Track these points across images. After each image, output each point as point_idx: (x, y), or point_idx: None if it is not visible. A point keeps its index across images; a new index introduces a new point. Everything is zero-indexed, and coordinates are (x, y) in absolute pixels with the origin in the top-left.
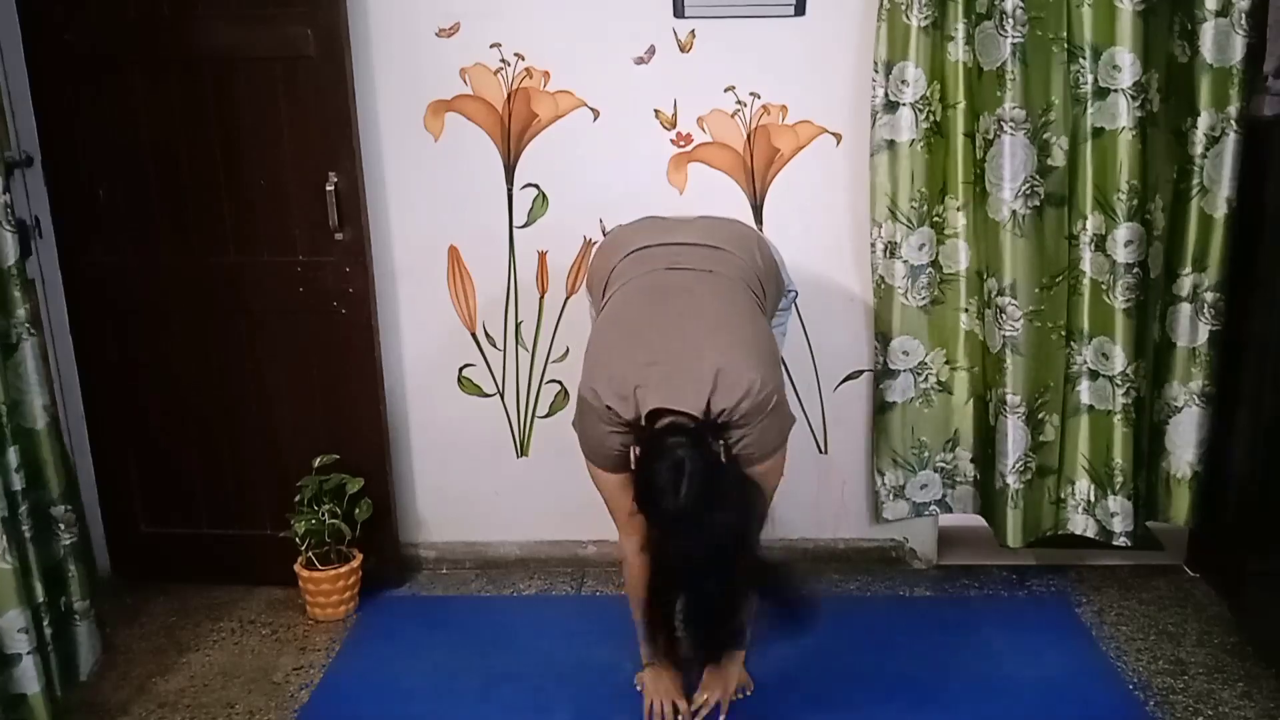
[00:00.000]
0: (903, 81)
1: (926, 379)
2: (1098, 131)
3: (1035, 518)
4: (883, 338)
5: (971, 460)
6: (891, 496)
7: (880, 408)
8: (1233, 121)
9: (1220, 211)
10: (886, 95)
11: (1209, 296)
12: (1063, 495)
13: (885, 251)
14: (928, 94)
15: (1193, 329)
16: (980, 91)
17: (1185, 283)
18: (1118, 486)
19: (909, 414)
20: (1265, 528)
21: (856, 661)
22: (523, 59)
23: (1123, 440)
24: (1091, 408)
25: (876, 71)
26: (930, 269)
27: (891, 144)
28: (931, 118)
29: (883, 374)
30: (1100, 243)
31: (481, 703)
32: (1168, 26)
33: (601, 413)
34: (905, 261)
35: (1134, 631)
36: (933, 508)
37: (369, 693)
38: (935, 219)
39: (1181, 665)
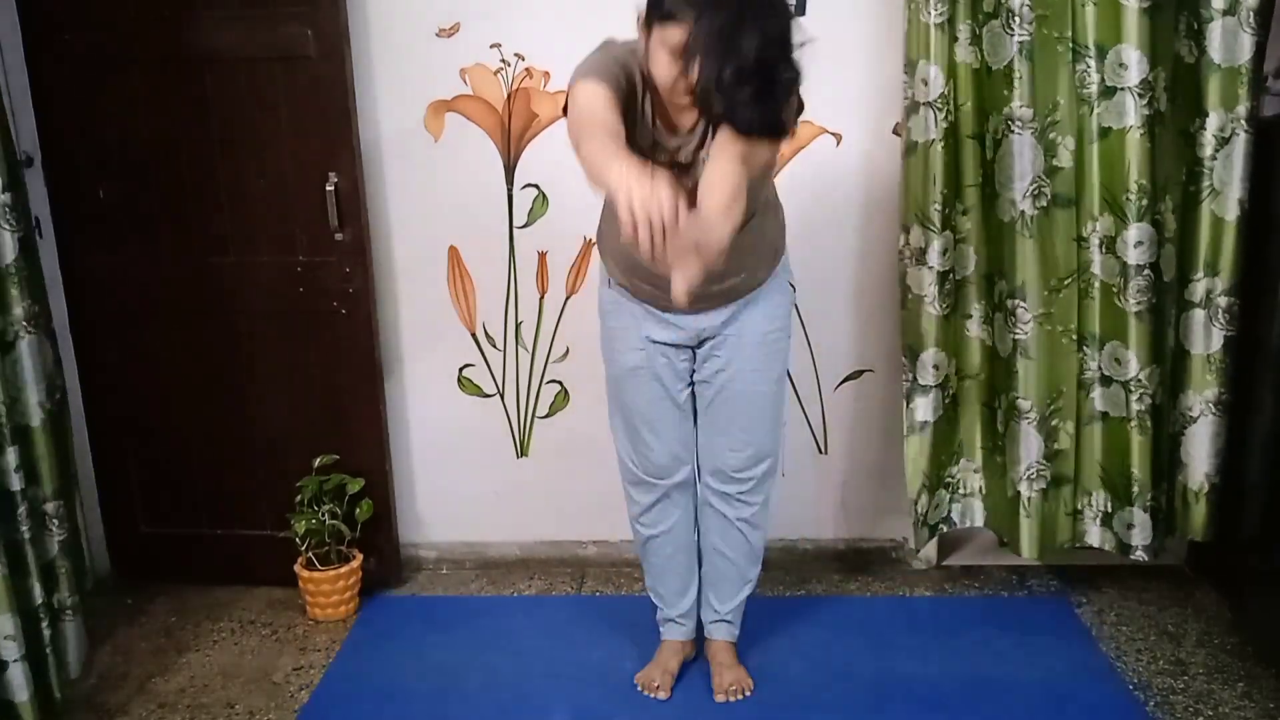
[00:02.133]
0: (924, 81)
1: (946, 392)
2: (1105, 131)
3: (1051, 529)
4: (911, 351)
5: (975, 471)
6: (921, 522)
7: (913, 429)
8: (1242, 122)
9: (1232, 214)
10: (913, 96)
11: (1222, 301)
12: (1079, 506)
13: (913, 259)
14: (945, 93)
15: (1207, 335)
16: (989, 92)
17: (1198, 288)
18: (1134, 497)
19: (934, 430)
20: (1265, 528)
21: (856, 662)
22: (523, 59)
23: (1139, 449)
24: (1106, 415)
25: (905, 72)
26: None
27: (915, 146)
28: (949, 119)
29: (914, 390)
30: (1110, 244)
31: (481, 703)
32: (1173, 25)
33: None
34: (933, 269)
35: (1134, 632)
36: (940, 526)
37: (369, 693)
38: (950, 223)
39: (1181, 665)
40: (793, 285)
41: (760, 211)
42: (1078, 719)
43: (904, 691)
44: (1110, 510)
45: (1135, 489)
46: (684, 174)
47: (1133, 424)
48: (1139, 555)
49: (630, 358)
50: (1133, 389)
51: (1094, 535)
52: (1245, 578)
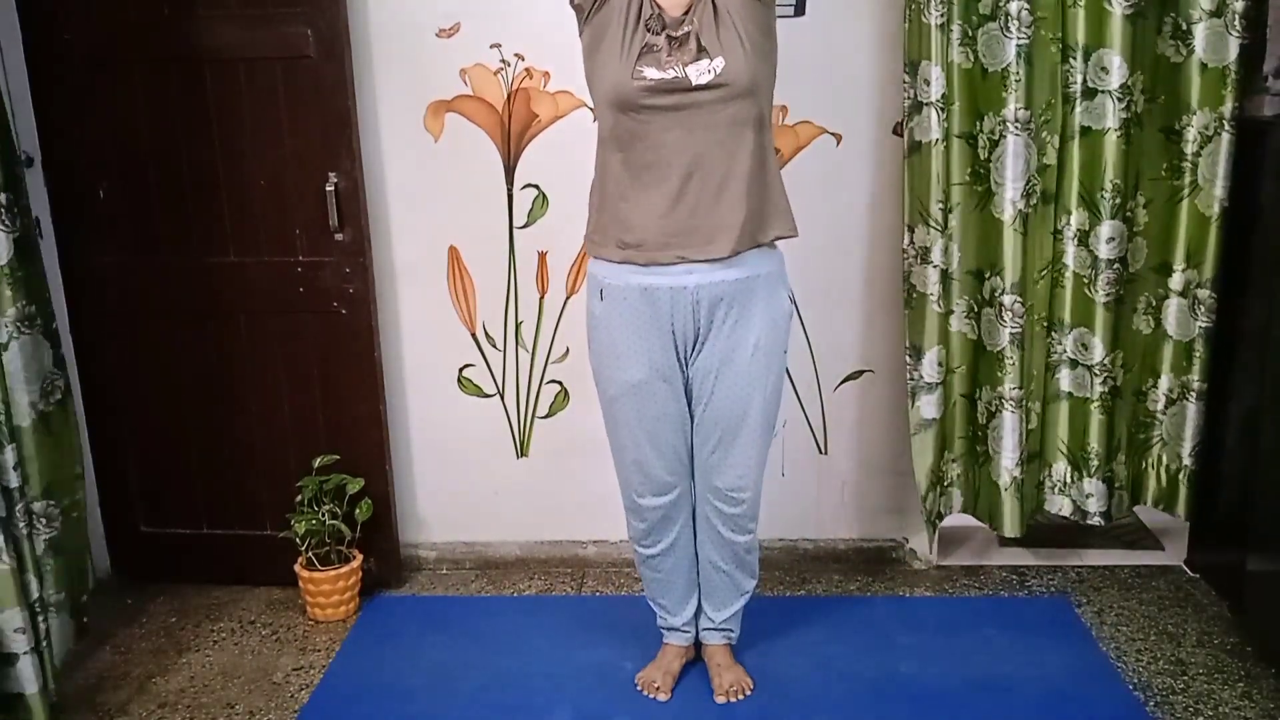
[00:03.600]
0: (926, 81)
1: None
2: (1085, 130)
3: (1030, 504)
4: (915, 350)
5: (954, 460)
6: (928, 519)
7: (920, 426)
8: (1226, 121)
9: (1214, 209)
10: (914, 96)
11: (1201, 293)
12: (1042, 478)
13: (917, 258)
14: (945, 94)
15: (1186, 325)
16: (983, 93)
17: (1178, 279)
18: (1093, 470)
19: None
20: (1264, 527)
21: (856, 662)
22: (523, 59)
23: (1098, 426)
24: (1071, 394)
25: (905, 72)
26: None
27: (919, 145)
28: (945, 119)
29: (919, 389)
30: (1084, 238)
31: (481, 703)
32: (1156, 28)
33: None
34: (936, 267)
35: (1134, 632)
36: (936, 520)
37: (369, 693)
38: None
39: (1181, 665)
40: (793, 300)
41: (769, 161)
42: (1077, 719)
43: (904, 691)
44: (1070, 480)
45: (1094, 462)
46: (681, 45)
47: (1094, 404)
48: (1095, 520)
49: (630, 373)
50: (1097, 373)
51: (1054, 503)
52: (1244, 577)
